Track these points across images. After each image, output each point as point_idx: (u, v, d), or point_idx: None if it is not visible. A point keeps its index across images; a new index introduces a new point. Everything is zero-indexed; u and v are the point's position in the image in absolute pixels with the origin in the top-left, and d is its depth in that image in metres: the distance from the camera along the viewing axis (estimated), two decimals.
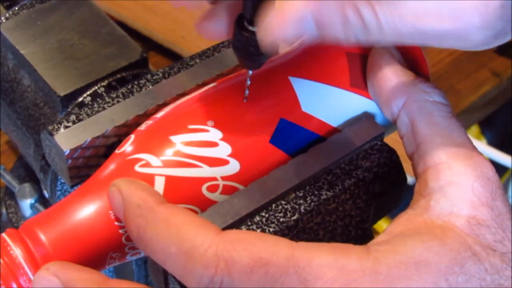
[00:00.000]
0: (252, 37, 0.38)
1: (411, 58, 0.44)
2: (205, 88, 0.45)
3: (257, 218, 0.39)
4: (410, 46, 0.44)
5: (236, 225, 0.39)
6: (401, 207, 0.40)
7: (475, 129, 0.97)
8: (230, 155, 0.41)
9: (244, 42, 0.38)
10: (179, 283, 0.36)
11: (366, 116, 0.44)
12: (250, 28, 0.38)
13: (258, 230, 0.39)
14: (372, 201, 0.42)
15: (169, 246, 0.34)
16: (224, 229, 0.38)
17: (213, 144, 0.41)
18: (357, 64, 0.44)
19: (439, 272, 0.32)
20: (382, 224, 0.76)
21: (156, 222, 0.35)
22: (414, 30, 0.34)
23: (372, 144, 0.43)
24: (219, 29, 0.39)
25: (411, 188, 0.39)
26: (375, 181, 0.42)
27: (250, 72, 0.42)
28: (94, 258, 0.39)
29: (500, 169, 0.98)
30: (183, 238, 0.34)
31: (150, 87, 0.46)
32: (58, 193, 0.53)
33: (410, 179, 0.39)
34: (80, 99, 0.51)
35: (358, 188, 0.41)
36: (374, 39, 0.34)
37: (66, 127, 0.43)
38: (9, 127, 0.58)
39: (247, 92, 0.42)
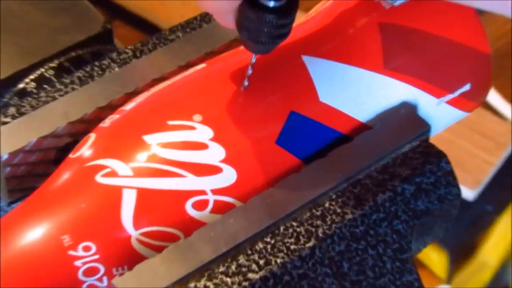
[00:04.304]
0: (267, 15, 0.38)
1: (467, 31, 0.45)
2: (190, 71, 0.45)
3: (260, 245, 0.40)
4: (466, 15, 0.45)
5: (232, 253, 0.39)
6: (456, 230, 0.40)
7: None
8: (223, 161, 0.41)
9: (257, 22, 0.38)
10: None
11: (406, 108, 0.44)
12: (266, 2, 0.38)
13: (262, 261, 0.39)
14: (415, 222, 0.42)
15: None
16: (218, 258, 0.39)
17: (201, 146, 0.41)
18: (394, 38, 0.44)
19: None
20: (430, 254, 0.76)
21: None
22: None
23: (414, 145, 0.43)
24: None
25: (470, 206, 0.39)
26: (418, 196, 0.42)
27: (254, 56, 0.42)
28: None
29: None
30: None
31: (116, 69, 0.46)
32: None
33: (467, 193, 0.39)
34: (21, 85, 0.52)
35: (395, 204, 0.42)
36: None
37: (3, 123, 0.44)
38: None
39: (247, 77, 0.42)
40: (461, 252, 0.81)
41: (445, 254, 0.76)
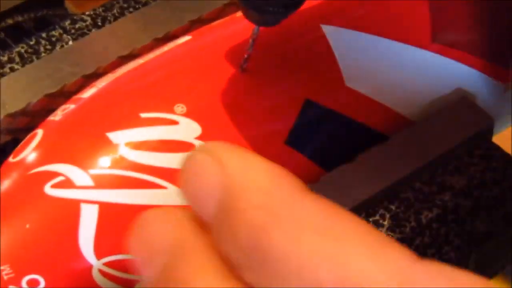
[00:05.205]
0: None
1: None
2: (170, 46, 0.44)
3: None
4: None
5: None
6: None
7: None
8: None
9: None
10: None
11: (461, 96, 0.44)
12: None
13: None
14: (472, 248, 0.42)
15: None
16: None
17: (185, 147, 0.40)
18: (445, 2, 0.43)
19: None
20: None
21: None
22: None
23: (471, 146, 0.43)
24: None
25: None
26: (476, 214, 0.42)
27: (257, 28, 0.41)
28: None
29: None
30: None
31: (70, 43, 0.46)
32: None
33: None
34: None
35: (446, 225, 0.41)
36: None
37: None
38: None
39: (247, 55, 0.42)
40: None
41: None
